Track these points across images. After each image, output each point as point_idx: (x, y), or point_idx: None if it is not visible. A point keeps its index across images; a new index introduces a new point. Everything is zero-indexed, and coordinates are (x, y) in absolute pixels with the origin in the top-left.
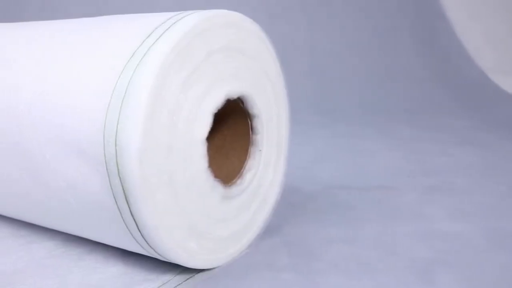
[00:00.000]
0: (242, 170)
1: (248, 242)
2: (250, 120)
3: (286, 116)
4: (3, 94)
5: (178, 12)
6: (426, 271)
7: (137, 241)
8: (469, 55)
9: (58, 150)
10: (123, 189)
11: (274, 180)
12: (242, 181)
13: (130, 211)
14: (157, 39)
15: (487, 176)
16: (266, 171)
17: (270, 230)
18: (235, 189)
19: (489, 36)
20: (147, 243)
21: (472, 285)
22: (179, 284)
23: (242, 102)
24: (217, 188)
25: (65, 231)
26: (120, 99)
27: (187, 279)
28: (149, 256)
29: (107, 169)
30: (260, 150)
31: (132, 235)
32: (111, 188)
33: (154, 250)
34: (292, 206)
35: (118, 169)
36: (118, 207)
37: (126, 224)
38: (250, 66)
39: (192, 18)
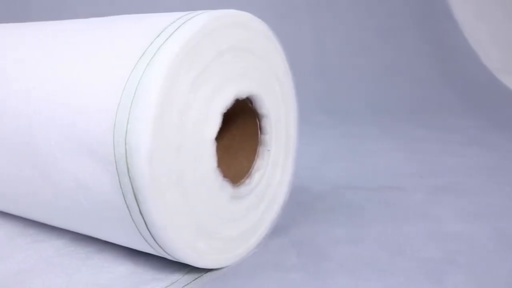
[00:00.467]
0: (250, 170)
1: (257, 242)
2: (259, 120)
3: (294, 116)
4: (13, 94)
5: (187, 12)
6: (435, 272)
7: (146, 241)
8: (476, 55)
9: (68, 150)
10: (132, 188)
11: (283, 180)
12: (251, 181)
13: (140, 210)
14: (167, 39)
15: (495, 176)
16: (274, 171)
17: (278, 230)
18: (243, 189)
19: (496, 36)
20: (156, 243)
21: (481, 286)
22: (188, 283)
23: (251, 102)
24: (226, 188)
25: (73, 230)
26: (130, 99)
27: (196, 278)
28: (157, 256)
29: (117, 168)
30: (268, 150)
31: (141, 234)
32: (121, 188)
33: (163, 250)
34: (300, 206)
35: (128, 169)
36: (127, 207)
37: (135, 224)
38: (258, 66)
39: (202, 18)
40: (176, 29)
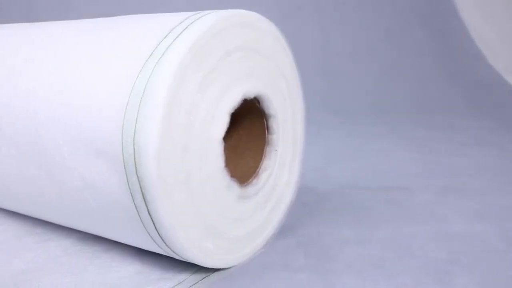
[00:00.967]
0: (257, 170)
1: (263, 242)
2: (266, 120)
3: (301, 116)
4: (21, 94)
5: (195, 12)
6: (442, 273)
7: (153, 240)
8: (483, 55)
9: (76, 149)
10: (141, 188)
11: (290, 180)
12: (258, 181)
13: (148, 210)
14: (175, 39)
15: (501, 176)
16: (281, 171)
17: (285, 230)
18: (250, 189)
19: (502, 36)
20: (164, 242)
21: (488, 287)
22: (195, 283)
23: (258, 102)
24: (233, 187)
25: (81, 229)
26: (139, 99)
27: (203, 278)
28: (164, 255)
29: (125, 168)
30: (276, 150)
31: (149, 234)
32: (129, 187)
33: (171, 249)
34: (306, 206)
35: (136, 168)
36: (135, 206)
37: (143, 223)
38: (266, 66)
39: (209, 18)
40: (184, 29)
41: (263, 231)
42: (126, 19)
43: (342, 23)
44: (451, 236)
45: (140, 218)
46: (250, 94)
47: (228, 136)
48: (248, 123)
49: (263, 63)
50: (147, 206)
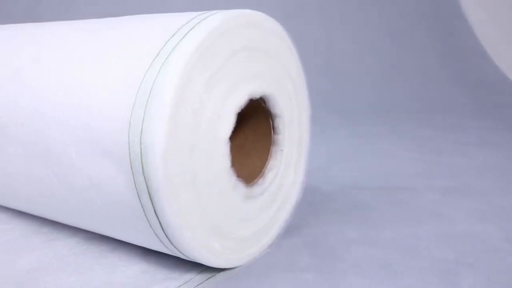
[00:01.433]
0: (263, 170)
1: (269, 242)
2: (272, 120)
3: (307, 116)
4: (27, 94)
5: (202, 12)
6: (448, 273)
7: (160, 240)
8: (488, 54)
9: (83, 149)
10: (147, 188)
11: (295, 180)
12: (264, 181)
13: (154, 210)
14: (181, 39)
15: (506, 177)
16: (287, 171)
17: (290, 230)
18: (256, 188)
19: (508, 36)
20: (170, 242)
21: (494, 287)
22: (201, 283)
23: (264, 102)
24: (239, 187)
25: (87, 229)
26: (145, 99)
27: (209, 278)
28: (170, 255)
29: (131, 168)
30: (281, 150)
31: (155, 234)
32: (136, 187)
33: (177, 249)
34: (311, 206)
35: (142, 168)
36: (142, 206)
37: (149, 223)
38: (272, 66)
39: (216, 18)
40: (191, 29)
41: (269, 231)
42: (131, 19)
43: (346, 23)
44: (456, 236)
45: (146, 217)
46: (256, 94)
47: (234, 136)
48: (254, 123)
49: (269, 63)
50: (153, 206)
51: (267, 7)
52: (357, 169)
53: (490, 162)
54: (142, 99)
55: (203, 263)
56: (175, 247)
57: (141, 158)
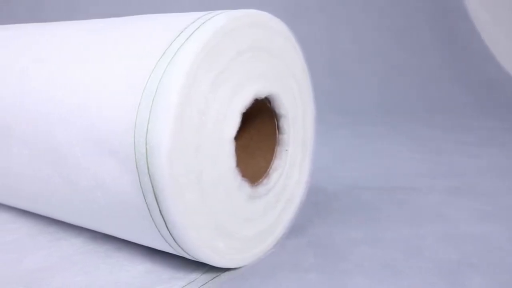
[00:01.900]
0: (268, 170)
1: (274, 242)
2: (277, 120)
3: (311, 116)
4: (33, 94)
5: (207, 12)
6: (451, 273)
7: (165, 240)
8: (492, 54)
9: (89, 149)
10: (152, 188)
11: (300, 180)
12: (269, 180)
13: (160, 209)
14: (187, 39)
15: (509, 177)
16: (292, 171)
17: (295, 230)
18: (261, 188)
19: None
20: (176, 242)
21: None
22: (206, 283)
23: (269, 102)
24: (244, 187)
25: (93, 228)
26: (151, 99)
27: (214, 278)
28: (176, 255)
29: (137, 168)
30: (286, 150)
31: (160, 233)
32: (141, 187)
33: (182, 249)
34: (316, 206)
35: (148, 168)
36: (147, 206)
37: (155, 223)
38: (276, 66)
39: (221, 18)
40: (196, 29)
41: (274, 231)
42: (136, 19)
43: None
44: (459, 237)
45: (152, 217)
46: (261, 94)
47: (239, 136)
48: (259, 123)
49: (274, 63)
50: (159, 206)
51: (271, 7)
52: (361, 169)
53: (493, 162)
54: (147, 99)
55: (208, 263)
56: (180, 247)
57: (147, 158)
